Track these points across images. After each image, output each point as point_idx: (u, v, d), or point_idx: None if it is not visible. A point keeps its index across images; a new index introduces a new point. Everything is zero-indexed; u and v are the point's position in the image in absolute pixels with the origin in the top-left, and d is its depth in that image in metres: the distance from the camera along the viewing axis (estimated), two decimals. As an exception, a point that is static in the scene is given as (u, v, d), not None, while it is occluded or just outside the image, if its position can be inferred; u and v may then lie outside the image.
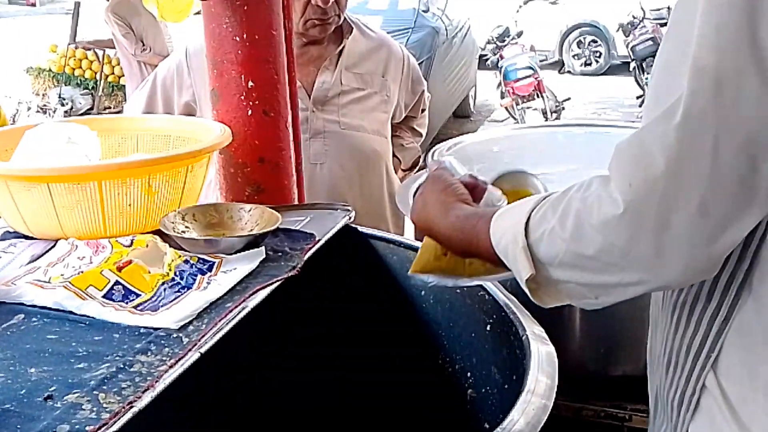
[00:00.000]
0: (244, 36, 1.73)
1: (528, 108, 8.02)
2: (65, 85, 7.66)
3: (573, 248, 0.86)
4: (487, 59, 9.00)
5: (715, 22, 0.77)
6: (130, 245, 1.37)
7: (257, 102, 1.77)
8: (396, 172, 2.54)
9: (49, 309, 1.21)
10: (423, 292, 1.56)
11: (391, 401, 1.52)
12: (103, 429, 0.92)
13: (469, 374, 1.44)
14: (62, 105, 7.51)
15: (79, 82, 7.67)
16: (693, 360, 0.93)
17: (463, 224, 1.04)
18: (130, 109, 2.39)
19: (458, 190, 1.10)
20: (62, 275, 1.29)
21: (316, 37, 2.27)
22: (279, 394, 1.47)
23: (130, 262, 1.30)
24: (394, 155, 2.55)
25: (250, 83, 1.76)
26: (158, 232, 1.44)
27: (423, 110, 2.66)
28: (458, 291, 1.47)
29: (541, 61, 9.22)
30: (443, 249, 1.16)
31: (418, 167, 2.65)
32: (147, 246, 1.37)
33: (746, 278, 0.87)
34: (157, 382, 1.02)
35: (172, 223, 1.45)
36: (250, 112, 1.77)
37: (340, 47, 2.34)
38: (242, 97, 1.76)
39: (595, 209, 0.83)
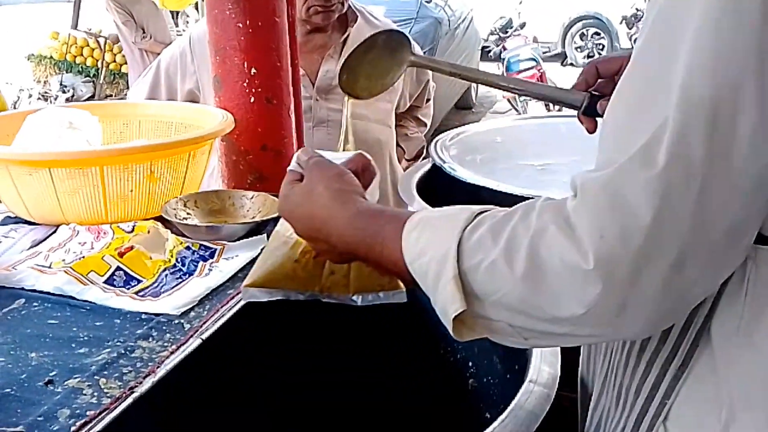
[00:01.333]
0: (247, 23, 1.72)
1: (530, 100, 8.00)
2: (66, 73, 7.64)
3: (522, 293, 0.72)
4: (489, 51, 8.98)
5: (715, 47, 0.65)
6: (132, 231, 1.37)
7: (260, 89, 1.77)
8: (399, 162, 2.53)
9: (50, 294, 1.21)
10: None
11: (392, 391, 1.51)
12: (104, 414, 0.92)
13: (470, 364, 1.44)
14: (63, 92, 7.49)
15: (80, 69, 7.65)
16: (644, 404, 0.84)
17: (365, 224, 0.86)
18: (134, 96, 2.38)
19: (353, 181, 0.93)
20: (63, 260, 1.29)
21: (319, 24, 2.26)
22: (279, 382, 1.47)
23: (132, 248, 1.29)
24: (398, 145, 2.54)
25: (253, 70, 1.75)
26: (160, 219, 1.43)
27: (428, 100, 2.65)
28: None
29: (543, 53, 9.20)
30: (300, 253, 0.99)
31: (422, 157, 2.65)
32: (148, 232, 1.36)
33: (704, 324, 0.78)
34: (158, 367, 1.02)
35: (174, 209, 1.44)
36: (252, 99, 1.77)
37: (345, 36, 2.33)
38: (245, 84, 1.76)
39: (555, 255, 0.70)
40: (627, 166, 0.68)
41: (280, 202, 0.95)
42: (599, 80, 1.22)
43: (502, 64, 8.33)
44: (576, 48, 11.87)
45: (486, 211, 0.78)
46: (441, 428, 1.53)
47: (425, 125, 2.70)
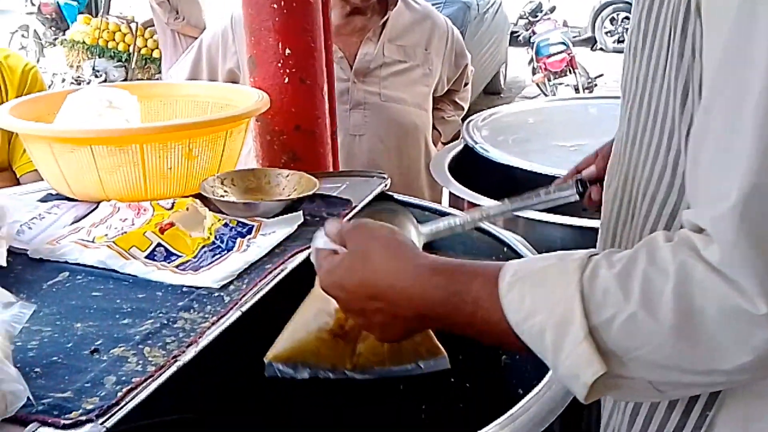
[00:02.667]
0: (282, 3, 1.73)
1: (560, 84, 7.96)
2: (99, 58, 7.73)
3: (674, 347, 0.65)
4: (518, 35, 8.93)
5: None
6: (171, 208, 1.39)
7: (294, 70, 1.78)
8: (435, 145, 2.54)
9: (93, 267, 1.24)
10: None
11: (416, 388, 1.53)
12: (148, 381, 0.95)
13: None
14: (96, 77, 7.58)
15: (112, 54, 7.74)
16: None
17: (446, 281, 0.76)
18: (175, 75, 2.42)
19: (408, 238, 0.87)
20: (106, 235, 1.32)
21: (358, 5, 2.27)
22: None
23: (172, 224, 1.32)
24: (434, 127, 2.55)
25: (287, 51, 1.77)
26: (198, 196, 1.46)
27: (466, 84, 2.66)
28: (494, 258, 1.48)
29: (573, 37, 9.13)
30: (337, 326, 0.93)
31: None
32: (187, 209, 1.39)
33: None
34: (200, 337, 1.05)
35: (212, 187, 1.47)
36: (286, 80, 1.78)
37: (384, 19, 2.34)
38: (279, 65, 1.77)
39: (712, 302, 0.63)
40: (751, 197, 0.62)
41: (322, 277, 0.86)
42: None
43: (532, 48, 8.28)
44: (606, 33, 11.76)
45: (592, 254, 0.71)
46: (473, 404, 1.55)
47: (462, 109, 2.71)
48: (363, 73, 2.32)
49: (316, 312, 0.96)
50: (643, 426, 0.83)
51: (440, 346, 0.96)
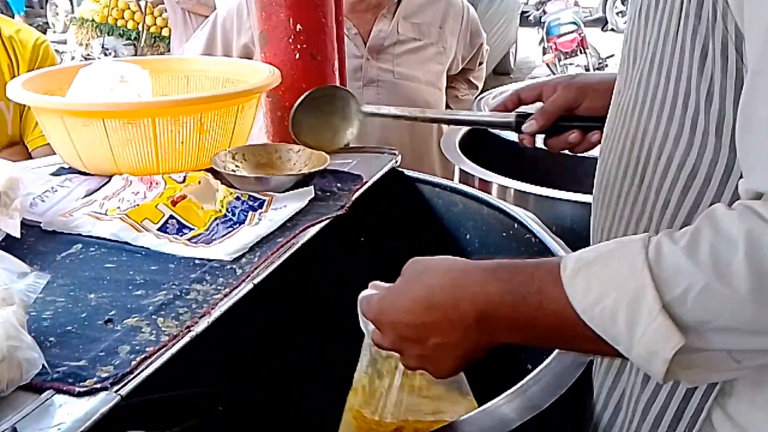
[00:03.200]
0: (293, -22, 1.73)
1: (570, 64, 7.93)
2: (108, 36, 7.73)
3: (753, 310, 0.65)
4: (528, 15, 8.88)
5: None
6: (183, 181, 1.40)
7: (305, 45, 1.78)
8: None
9: (106, 240, 1.25)
10: (468, 236, 1.58)
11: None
12: (162, 350, 0.96)
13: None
14: (105, 55, 7.57)
15: (121, 32, 7.73)
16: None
17: (509, 274, 0.76)
18: (190, 50, 2.42)
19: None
20: (118, 208, 1.32)
21: None
22: (323, 329, 1.51)
23: (184, 197, 1.32)
24: (447, 106, 2.55)
25: (298, 26, 1.76)
26: (210, 171, 1.46)
27: (480, 63, 2.66)
28: (504, 234, 1.48)
29: (584, 17, 9.08)
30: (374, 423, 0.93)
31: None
32: (199, 183, 1.39)
33: None
34: (213, 309, 1.05)
35: (223, 161, 1.47)
36: (297, 56, 1.78)
37: None
38: (290, 40, 1.77)
39: None
40: None
41: (373, 311, 0.85)
42: (520, 106, 1.30)
43: (542, 28, 8.24)
44: (617, 13, 11.68)
45: (650, 237, 0.71)
46: (482, 380, 1.56)
47: (477, 88, 2.71)
48: (377, 50, 2.31)
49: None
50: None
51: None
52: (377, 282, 0.90)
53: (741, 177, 0.71)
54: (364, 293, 0.90)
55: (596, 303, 0.70)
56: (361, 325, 0.92)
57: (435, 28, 2.39)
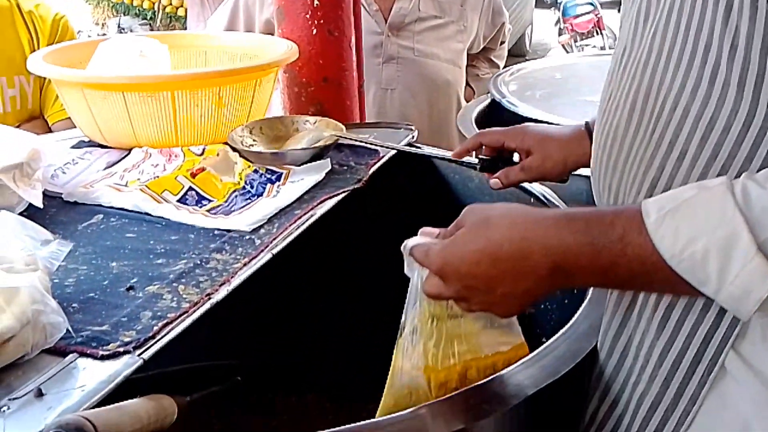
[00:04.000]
0: (310, -47, 1.73)
1: (586, 45, 7.88)
2: (124, 15, 7.73)
3: None
4: (544, -3, 8.81)
5: None
6: (202, 154, 1.41)
7: (322, 21, 1.78)
8: (468, 102, 2.54)
9: (127, 210, 1.26)
10: (484, 211, 1.58)
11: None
12: (183, 316, 0.97)
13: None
14: (121, 34, 7.60)
15: (137, 12, 7.72)
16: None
17: (584, 225, 0.77)
18: (212, 26, 2.43)
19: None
20: (138, 179, 1.34)
21: None
22: (337, 303, 1.53)
23: (203, 169, 1.34)
24: (468, 85, 2.55)
25: (316, 2, 1.77)
26: (227, 145, 1.48)
27: (502, 42, 2.66)
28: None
29: (601, -2, 9.01)
30: (421, 383, 0.95)
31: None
32: (218, 155, 1.40)
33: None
34: (232, 277, 1.07)
35: (240, 136, 1.48)
36: (314, 32, 1.79)
37: None
38: (307, 16, 1.78)
39: None
40: None
41: (433, 259, 0.84)
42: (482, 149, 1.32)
43: (558, 9, 8.19)
44: (634, -6, 11.57)
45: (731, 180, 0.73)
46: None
47: (498, 67, 2.71)
48: (397, 27, 2.32)
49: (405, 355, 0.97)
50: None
51: None
52: (428, 228, 0.90)
53: (761, 127, 0.73)
54: (414, 241, 0.90)
55: (685, 248, 0.71)
56: (407, 271, 0.92)
57: (456, 6, 2.39)
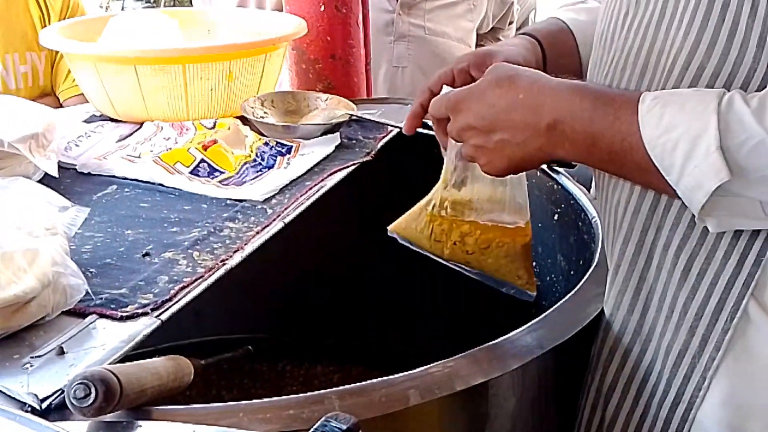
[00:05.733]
0: (319, -71, 1.74)
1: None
2: (127, -1, 7.75)
3: None
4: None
5: None
6: (213, 128, 1.43)
7: (330, -3, 1.80)
8: None
9: (140, 181, 1.29)
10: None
11: (453, 293, 1.57)
12: (199, 280, 0.99)
13: (534, 264, 1.48)
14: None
15: (141, -5, 7.76)
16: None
17: (593, 95, 0.84)
18: (223, 4, 2.44)
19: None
20: (151, 151, 1.36)
21: None
22: (345, 272, 1.55)
23: (215, 141, 1.36)
24: None
25: (324, -21, 1.78)
26: (238, 119, 1.50)
27: (511, 22, 2.67)
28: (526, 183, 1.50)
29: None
30: (427, 222, 1.05)
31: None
32: (229, 129, 1.42)
33: None
34: (246, 244, 1.09)
35: (252, 107, 1.50)
36: (322, 8, 1.80)
37: None
38: (316, -7, 1.79)
39: None
40: None
41: (452, 99, 0.92)
42: None
43: None
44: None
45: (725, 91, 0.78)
46: (501, 327, 1.59)
47: None
48: (408, 5, 2.33)
49: (431, 194, 1.07)
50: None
51: (535, 284, 1.09)
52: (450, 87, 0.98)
53: None
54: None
55: (662, 134, 0.78)
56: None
57: None
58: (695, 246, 0.86)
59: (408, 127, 1.20)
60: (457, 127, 0.92)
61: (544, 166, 1.40)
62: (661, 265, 0.89)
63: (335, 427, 0.68)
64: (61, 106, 1.99)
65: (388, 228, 1.08)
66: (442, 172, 1.08)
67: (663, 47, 0.86)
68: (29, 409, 0.77)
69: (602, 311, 0.99)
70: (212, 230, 1.13)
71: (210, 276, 1.01)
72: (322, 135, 1.46)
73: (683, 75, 0.83)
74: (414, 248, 1.08)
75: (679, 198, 0.80)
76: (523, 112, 0.86)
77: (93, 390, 0.70)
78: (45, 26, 1.93)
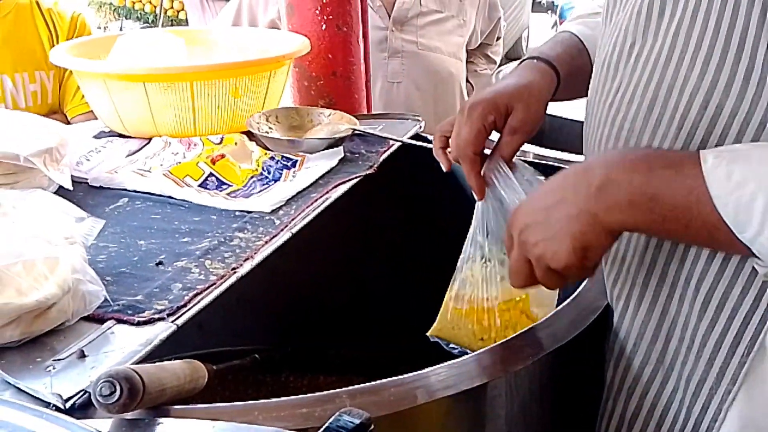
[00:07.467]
0: (318, -51, 1.79)
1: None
2: (126, 19, 7.80)
3: None
4: (540, 1, 8.87)
5: None
6: (220, 143, 1.47)
7: (331, 16, 1.84)
8: (469, 97, 2.61)
9: (151, 194, 1.32)
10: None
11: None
12: (211, 288, 1.03)
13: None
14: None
15: (139, 15, 7.79)
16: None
17: (647, 155, 0.82)
18: (217, 25, 2.49)
19: None
20: (161, 165, 1.40)
21: None
22: (350, 282, 1.58)
23: (223, 156, 1.40)
24: (467, 81, 2.62)
25: (325, -2, 1.83)
26: (244, 134, 1.54)
27: (498, 38, 2.73)
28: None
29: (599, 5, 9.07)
30: (459, 319, 1.11)
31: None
32: (236, 144, 1.46)
33: None
34: (255, 253, 1.13)
35: (257, 123, 1.54)
36: (324, 27, 1.85)
37: None
38: (317, 12, 1.84)
39: None
40: None
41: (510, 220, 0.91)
42: None
43: (555, 12, 8.25)
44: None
45: None
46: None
47: (494, 62, 2.78)
48: (401, 21, 2.39)
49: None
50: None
51: None
52: None
53: None
54: None
55: (734, 190, 0.74)
56: None
57: (455, 1, 2.47)
58: (713, 281, 0.87)
59: (446, 167, 1.20)
60: (516, 233, 0.88)
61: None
62: (684, 297, 0.91)
63: (348, 421, 0.71)
64: (68, 123, 2.03)
65: (429, 334, 1.15)
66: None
67: (674, 83, 0.86)
68: (54, 408, 0.80)
69: (602, 312, 1.03)
70: (222, 240, 1.16)
71: (222, 284, 1.04)
72: (326, 149, 1.50)
73: (702, 114, 0.84)
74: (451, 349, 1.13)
75: (752, 255, 0.77)
76: (574, 179, 0.84)
77: (118, 388, 0.74)
78: (53, 46, 1.97)
